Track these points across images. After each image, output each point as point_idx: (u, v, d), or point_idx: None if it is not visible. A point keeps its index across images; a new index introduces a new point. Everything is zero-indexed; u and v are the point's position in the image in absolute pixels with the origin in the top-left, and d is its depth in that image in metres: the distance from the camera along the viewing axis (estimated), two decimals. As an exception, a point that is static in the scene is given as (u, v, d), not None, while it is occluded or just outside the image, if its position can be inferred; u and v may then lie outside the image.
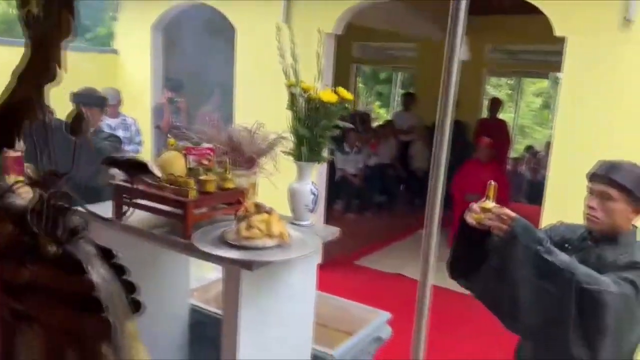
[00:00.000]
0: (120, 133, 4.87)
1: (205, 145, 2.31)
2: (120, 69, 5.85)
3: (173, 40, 5.82)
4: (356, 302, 3.18)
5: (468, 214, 1.69)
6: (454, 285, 2.07)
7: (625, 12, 3.35)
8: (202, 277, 3.63)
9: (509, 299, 1.59)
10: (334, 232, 2.45)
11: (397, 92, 13.76)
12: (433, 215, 1.55)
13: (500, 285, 1.61)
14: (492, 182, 1.69)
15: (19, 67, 0.76)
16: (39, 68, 0.75)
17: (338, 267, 5.08)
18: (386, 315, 3.03)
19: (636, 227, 1.78)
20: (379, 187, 7.61)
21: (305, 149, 2.26)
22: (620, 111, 3.43)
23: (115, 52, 5.83)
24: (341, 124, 2.28)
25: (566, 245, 1.81)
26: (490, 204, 1.65)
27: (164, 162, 2.18)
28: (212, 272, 4.59)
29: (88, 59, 5.71)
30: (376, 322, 2.91)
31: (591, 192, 1.77)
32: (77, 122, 0.85)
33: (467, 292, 2.02)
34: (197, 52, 5.77)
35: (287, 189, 2.41)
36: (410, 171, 7.99)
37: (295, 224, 2.35)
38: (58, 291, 0.80)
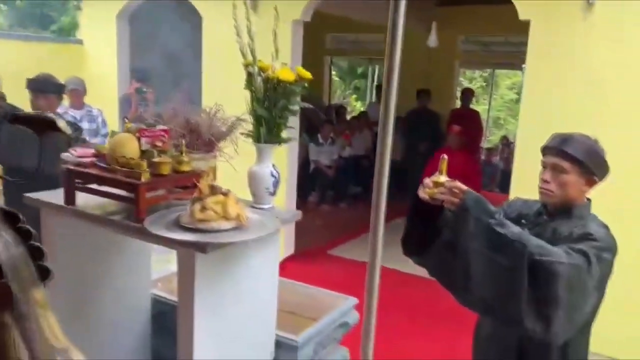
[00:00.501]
0: (85, 125, 4.75)
1: (160, 127, 2.24)
2: (85, 59, 5.71)
3: (139, 30, 5.70)
4: (323, 289, 3.14)
5: (421, 189, 1.66)
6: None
7: (587, -6, 3.37)
8: (167, 269, 3.55)
9: (462, 272, 1.56)
10: (295, 214, 2.41)
11: (373, 86, 13.75)
12: (380, 202, 1.50)
13: (453, 260, 1.58)
14: (444, 156, 1.66)
15: None
16: None
17: (311, 257, 5.05)
18: (353, 300, 3.00)
19: (589, 200, 1.78)
20: (354, 178, 7.59)
21: (264, 130, 2.21)
22: (583, 93, 3.45)
23: (80, 42, 5.68)
24: (301, 104, 2.24)
25: (522, 220, 1.79)
26: (442, 178, 1.62)
27: (116, 144, 2.11)
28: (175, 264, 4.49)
29: (53, 50, 5.56)
30: (342, 307, 2.88)
31: (544, 165, 1.75)
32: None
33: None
34: (164, 41, 5.66)
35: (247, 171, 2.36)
36: (384, 162, 7.98)
37: (255, 207, 2.30)
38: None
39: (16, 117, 0.89)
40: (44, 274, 0.78)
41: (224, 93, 3.41)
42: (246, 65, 2.22)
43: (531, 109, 3.67)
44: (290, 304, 3.06)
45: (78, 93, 4.76)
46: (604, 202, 1.92)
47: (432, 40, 5.02)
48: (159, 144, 2.18)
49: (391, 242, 5.70)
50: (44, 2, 6.05)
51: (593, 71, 3.45)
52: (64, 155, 2.23)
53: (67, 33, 5.76)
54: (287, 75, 2.15)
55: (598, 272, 1.53)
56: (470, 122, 7.27)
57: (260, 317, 2.39)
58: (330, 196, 7.26)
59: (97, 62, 5.70)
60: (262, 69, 2.19)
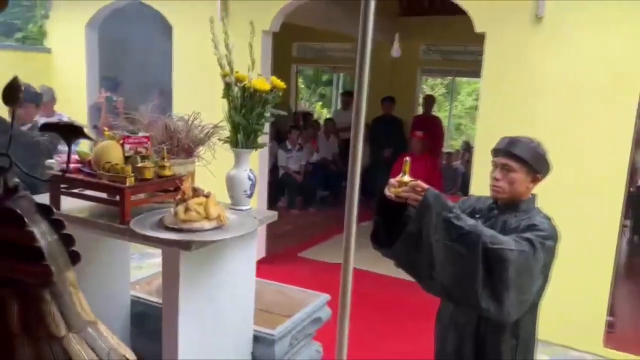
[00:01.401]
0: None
1: (142, 134, 2.37)
2: (53, 68, 5.71)
3: (109, 39, 5.74)
4: (296, 287, 3.30)
5: (387, 189, 1.85)
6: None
7: (536, 9, 3.65)
8: (139, 276, 3.64)
9: (425, 262, 1.75)
10: (271, 215, 2.56)
11: (338, 93, 14.00)
12: (352, 206, 1.66)
13: (417, 251, 1.76)
14: (407, 159, 1.85)
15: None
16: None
17: (283, 260, 5.19)
18: (325, 297, 3.16)
19: (534, 195, 2.00)
20: (321, 183, 7.77)
21: (242, 136, 2.36)
22: (533, 99, 3.72)
23: (48, 50, 5.68)
24: (275, 111, 2.40)
25: (476, 215, 2.00)
26: (406, 177, 1.81)
27: (101, 151, 2.22)
28: (153, 270, 4.59)
29: (20, 58, 5.54)
30: (315, 304, 3.04)
31: (495, 165, 1.97)
32: (10, 91, 0.91)
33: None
34: (134, 50, 5.73)
35: (224, 176, 2.50)
36: (351, 167, 8.20)
37: (234, 209, 2.44)
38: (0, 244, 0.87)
39: (46, 125, 0.99)
40: (75, 259, 0.92)
41: (195, 101, 3.53)
42: (224, 76, 2.36)
43: (488, 115, 3.93)
44: (265, 302, 3.21)
45: (49, 101, 4.79)
46: (548, 196, 2.15)
47: (395, 51, 5.26)
48: (142, 150, 2.30)
49: (360, 245, 5.94)
50: (9, 10, 6.02)
51: (542, 78, 3.73)
52: (49, 162, 2.32)
53: (34, 41, 5.75)
54: (263, 85, 2.31)
55: (542, 258, 1.75)
56: (431, 128, 7.56)
57: (239, 312, 2.53)
58: (299, 201, 7.41)
59: (66, 70, 5.71)
60: (238, 80, 2.35)
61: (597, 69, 3.56)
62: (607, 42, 3.52)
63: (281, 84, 2.37)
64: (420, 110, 8.86)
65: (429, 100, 8.13)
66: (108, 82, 5.58)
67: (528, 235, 1.75)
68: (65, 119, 4.99)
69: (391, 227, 1.88)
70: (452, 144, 13.26)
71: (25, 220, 0.86)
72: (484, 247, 1.66)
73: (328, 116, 11.53)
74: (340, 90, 13.44)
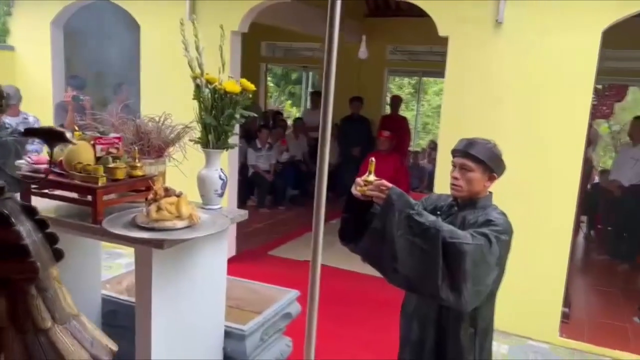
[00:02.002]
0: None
1: (113, 135, 2.40)
2: (17, 66, 5.60)
3: (75, 37, 5.67)
4: (266, 284, 3.37)
5: (354, 188, 1.94)
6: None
7: (496, 15, 3.81)
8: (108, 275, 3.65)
9: (389, 256, 1.85)
10: (242, 214, 2.63)
11: (308, 92, 14.07)
12: (320, 204, 1.74)
13: (381, 246, 1.86)
14: (372, 159, 1.95)
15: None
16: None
17: (253, 258, 5.24)
18: (295, 293, 3.24)
19: (491, 193, 2.13)
20: (291, 182, 7.84)
21: (213, 136, 2.42)
22: (494, 101, 3.88)
23: (11, 48, 5.58)
24: (245, 113, 2.47)
25: (437, 212, 2.12)
26: (371, 177, 1.91)
27: (72, 152, 2.24)
28: (121, 269, 4.60)
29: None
30: (285, 299, 3.12)
31: (454, 165, 2.09)
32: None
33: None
34: (101, 48, 5.69)
35: (195, 175, 2.55)
36: (320, 166, 8.30)
37: (205, 208, 2.50)
38: (-14, 243, 0.92)
39: (29, 130, 1.03)
40: (58, 255, 0.98)
41: (163, 100, 3.57)
42: (194, 78, 2.42)
43: (450, 115, 4.08)
44: (235, 299, 3.27)
45: (14, 101, 4.73)
46: (507, 193, 2.29)
47: (362, 53, 5.37)
48: (113, 150, 2.34)
49: (328, 242, 6.07)
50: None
51: (502, 80, 3.89)
52: (19, 162, 2.33)
53: (-4, 39, 5.64)
54: (233, 87, 2.37)
55: (498, 251, 1.87)
56: (399, 127, 7.73)
57: (210, 309, 2.59)
58: (269, 200, 7.47)
59: (30, 69, 5.62)
60: (209, 81, 2.40)
61: (553, 72, 3.74)
62: (562, 46, 3.70)
63: (251, 86, 2.44)
64: (387, 110, 9.02)
65: (396, 101, 8.29)
66: (74, 81, 5.51)
67: (484, 230, 1.87)
68: (30, 119, 4.93)
69: (358, 223, 1.98)
70: (419, 142, 13.51)
71: (12, 220, 0.92)
72: (443, 242, 1.77)
73: (298, 115, 11.61)
74: (310, 89, 13.54)
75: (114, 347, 1.03)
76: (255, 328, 2.77)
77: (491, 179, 2.06)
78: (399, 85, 16.50)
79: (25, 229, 0.93)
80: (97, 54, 5.65)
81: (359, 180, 1.93)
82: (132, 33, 5.24)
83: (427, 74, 13.02)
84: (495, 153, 2.06)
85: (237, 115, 2.43)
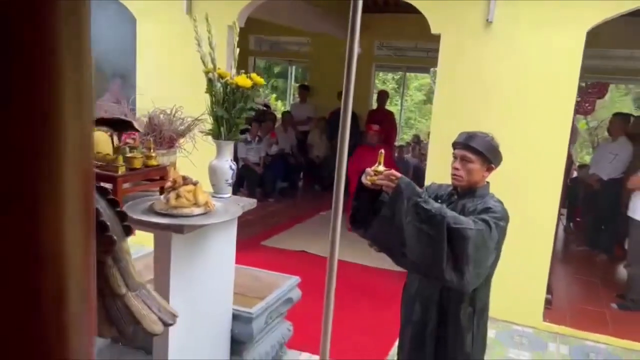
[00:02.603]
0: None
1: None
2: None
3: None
4: (269, 271, 3.50)
5: (364, 177, 2.08)
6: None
7: (487, 14, 3.98)
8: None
9: (398, 241, 1.98)
10: (252, 202, 2.75)
11: (292, 85, 14.16)
12: (338, 194, 1.85)
13: (390, 231, 2.00)
14: (382, 151, 2.09)
15: None
16: None
17: (247, 248, 5.34)
18: (295, 279, 3.38)
19: (488, 183, 2.28)
20: (281, 175, 7.96)
21: (224, 129, 2.53)
22: (484, 96, 4.06)
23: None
24: (255, 105, 2.59)
25: (438, 200, 2.27)
26: (381, 167, 2.05)
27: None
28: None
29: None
30: (286, 286, 3.25)
31: (455, 157, 2.23)
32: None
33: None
34: (96, 41, 5.70)
35: (207, 165, 2.66)
36: (308, 159, 8.43)
37: (216, 197, 2.61)
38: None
39: (99, 119, 1.13)
40: (128, 231, 1.11)
41: (159, 93, 3.64)
42: (206, 72, 2.52)
43: (442, 111, 4.24)
44: (239, 285, 3.38)
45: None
46: (495, 185, 2.45)
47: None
48: (130, 141, 2.44)
49: (320, 233, 6.32)
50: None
51: (492, 78, 4.06)
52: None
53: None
54: (244, 81, 2.48)
55: (496, 236, 2.03)
56: (385, 121, 7.88)
57: (220, 292, 2.72)
58: (259, 192, 7.57)
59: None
60: (221, 76, 2.52)
61: (540, 70, 3.93)
62: (548, 46, 3.89)
63: (261, 80, 2.56)
64: (374, 104, 9.17)
65: (383, 96, 8.45)
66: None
67: (484, 216, 2.02)
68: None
69: (367, 210, 2.12)
70: (402, 137, 13.71)
71: (92, 199, 1.04)
72: (448, 227, 1.92)
73: (283, 109, 11.70)
74: (294, 82, 13.63)
75: (176, 313, 1.15)
76: (260, 311, 2.90)
77: (489, 169, 2.22)
78: (383, 80, 16.68)
79: (101, 206, 1.05)
80: (92, 47, 5.66)
81: (369, 170, 2.06)
82: (128, 27, 5.28)
83: (410, 69, 13.21)
84: (493, 145, 2.21)
85: (248, 108, 2.55)
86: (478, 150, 2.17)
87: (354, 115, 8.11)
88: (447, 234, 1.93)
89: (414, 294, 2.34)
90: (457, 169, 2.21)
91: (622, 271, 5.39)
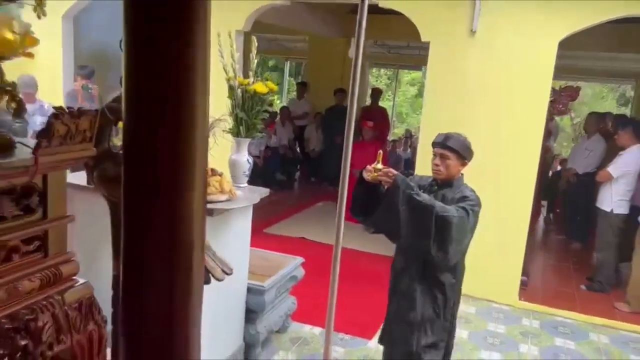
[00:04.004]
0: (38, 118, 5.13)
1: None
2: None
3: (84, 29, 6.07)
4: (275, 252, 3.96)
5: (365, 173, 2.52)
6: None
7: (471, 25, 4.43)
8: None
9: (395, 225, 2.43)
10: (265, 191, 3.20)
11: (287, 81, 14.56)
12: (344, 185, 2.22)
13: (389, 217, 2.45)
14: (380, 151, 2.54)
15: None
16: None
17: (252, 235, 5.79)
18: (300, 260, 3.84)
19: (462, 175, 2.70)
20: (279, 167, 8.39)
21: (243, 128, 2.97)
22: (468, 96, 4.52)
23: (22, 39, 5.95)
24: (270, 109, 3.03)
25: (421, 190, 2.67)
26: (380, 165, 2.49)
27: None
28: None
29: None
30: (292, 265, 3.71)
31: (435, 154, 2.66)
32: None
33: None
34: (107, 41, 6.10)
35: (223, 159, 3.10)
36: (305, 152, 8.87)
37: (235, 186, 3.06)
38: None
39: (109, 108, 1.47)
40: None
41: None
42: (228, 80, 2.96)
43: (431, 112, 4.70)
44: (250, 265, 3.83)
45: (32, 89, 5.15)
46: (478, 177, 2.91)
47: (352, 52, 5.90)
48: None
49: (317, 221, 6.88)
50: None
51: (476, 81, 4.52)
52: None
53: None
54: (261, 88, 2.92)
55: (472, 220, 2.48)
56: (379, 117, 8.33)
57: (237, 268, 3.15)
58: (259, 184, 7.98)
59: (42, 59, 6.00)
60: (240, 83, 2.95)
61: (518, 74, 4.39)
62: (525, 53, 4.35)
63: (274, 87, 3.00)
64: (368, 101, 9.61)
65: (377, 93, 8.89)
66: (83, 71, 5.92)
67: (463, 204, 2.47)
68: (46, 106, 5.36)
69: (367, 200, 2.55)
70: (395, 131, 14.18)
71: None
72: (436, 215, 2.38)
73: (280, 103, 12.11)
74: (287, 76, 14.06)
75: (232, 267, 1.59)
76: (271, 285, 3.36)
77: (463, 164, 2.65)
78: (376, 76, 17.11)
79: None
80: (105, 46, 6.05)
81: (369, 167, 2.50)
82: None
83: (403, 66, 13.67)
84: (466, 144, 2.64)
85: (264, 110, 2.99)
86: (454, 148, 2.59)
87: (349, 111, 8.58)
88: (435, 220, 2.37)
89: (400, 269, 2.73)
90: (437, 164, 2.64)
91: (594, 258, 5.90)
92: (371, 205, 2.57)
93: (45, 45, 6.07)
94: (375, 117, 7.88)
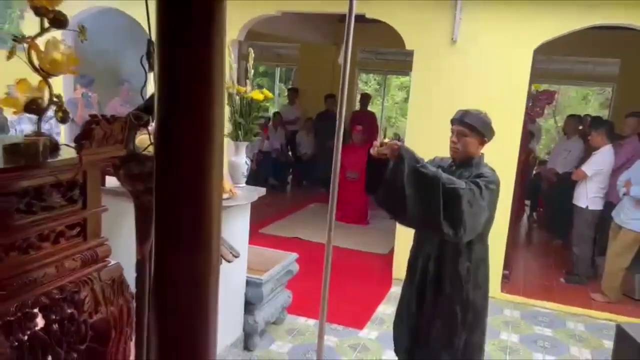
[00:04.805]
0: (45, 125, 5.36)
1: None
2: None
3: (83, 40, 6.28)
4: (271, 248, 4.21)
5: (372, 149, 2.41)
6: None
7: (452, 34, 4.72)
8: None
9: (401, 201, 2.28)
10: (262, 191, 3.45)
11: (278, 87, 14.81)
12: (334, 185, 2.38)
13: (394, 193, 2.30)
14: (385, 127, 2.78)
15: None
16: None
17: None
18: (294, 255, 4.09)
19: (482, 154, 2.58)
20: (272, 171, 8.64)
21: (242, 132, 3.23)
22: (451, 104, 4.78)
23: (23, 49, 6.16)
24: (266, 115, 3.28)
25: (440, 170, 2.45)
26: (386, 140, 2.39)
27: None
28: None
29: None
30: (287, 260, 3.96)
31: (453, 131, 2.53)
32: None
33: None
34: (106, 50, 6.34)
35: (226, 161, 3.35)
36: (297, 156, 9.13)
37: (234, 186, 3.31)
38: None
39: (134, 115, 1.71)
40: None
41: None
42: (227, 88, 3.22)
43: (416, 114, 4.98)
44: (247, 260, 4.09)
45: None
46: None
47: (342, 58, 6.18)
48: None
49: (310, 222, 7.22)
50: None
51: (456, 84, 4.79)
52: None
53: (5, 40, 6.21)
54: (258, 96, 3.18)
55: (487, 195, 2.36)
56: (368, 122, 8.62)
57: (237, 262, 3.40)
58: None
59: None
60: (238, 91, 3.21)
61: (496, 79, 4.68)
62: (502, 60, 4.65)
63: (270, 94, 3.26)
64: (358, 106, 9.90)
65: (366, 98, 9.20)
66: (83, 79, 6.16)
67: (476, 180, 2.39)
68: (48, 114, 5.58)
69: (378, 178, 2.45)
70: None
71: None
72: (443, 187, 2.26)
73: (272, 109, 12.37)
74: (278, 81, 14.33)
75: (238, 252, 1.84)
76: (269, 279, 3.61)
77: (482, 142, 2.56)
78: (365, 81, 17.42)
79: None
80: (104, 55, 6.29)
81: (375, 143, 2.43)
82: (137, 38, 5.91)
83: (390, 72, 13.97)
84: (486, 121, 2.55)
85: (260, 116, 3.25)
86: (472, 125, 2.51)
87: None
88: (442, 193, 2.26)
89: (417, 253, 2.70)
90: (454, 142, 2.55)
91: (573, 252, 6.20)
92: (380, 182, 2.44)
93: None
94: (364, 121, 8.17)
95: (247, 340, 3.59)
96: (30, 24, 6.18)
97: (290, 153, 9.16)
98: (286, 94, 10.99)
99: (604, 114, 13.17)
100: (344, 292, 4.75)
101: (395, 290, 4.80)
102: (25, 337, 1.34)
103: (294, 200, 8.18)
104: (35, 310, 1.36)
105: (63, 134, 6.07)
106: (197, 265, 0.99)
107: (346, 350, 3.84)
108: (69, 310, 1.45)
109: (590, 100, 14.86)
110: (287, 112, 9.44)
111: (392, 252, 5.42)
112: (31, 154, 1.38)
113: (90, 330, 1.51)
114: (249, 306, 3.58)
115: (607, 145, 5.09)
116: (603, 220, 5.19)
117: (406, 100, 18.19)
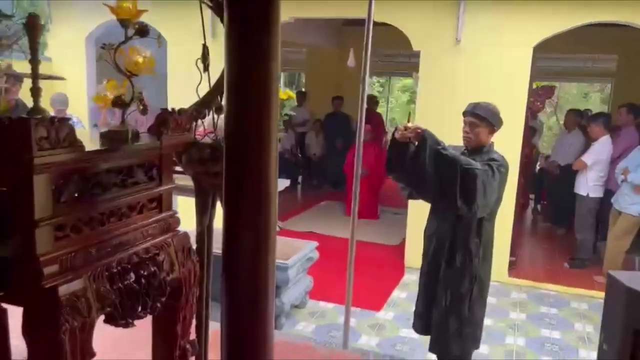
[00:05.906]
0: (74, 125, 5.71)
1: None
2: (54, 75, 6.54)
3: (160, 46, 6.63)
4: (291, 238, 4.51)
5: (396, 133, 2.67)
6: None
7: (456, 35, 5.03)
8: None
9: (422, 179, 2.59)
10: (285, 182, 3.76)
11: (284, 89, 15.17)
12: (357, 179, 2.66)
13: (417, 171, 2.59)
14: (410, 111, 2.98)
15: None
16: None
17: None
18: (314, 244, 4.40)
19: (493, 142, 2.86)
20: (283, 172, 8.94)
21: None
22: (457, 101, 5.08)
23: (49, 60, 6.52)
24: (290, 113, 3.59)
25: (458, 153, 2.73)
26: (410, 124, 2.66)
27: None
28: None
29: (22, 66, 6.35)
30: (309, 248, 4.26)
31: (465, 123, 2.81)
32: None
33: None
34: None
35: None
36: (306, 157, 9.44)
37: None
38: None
39: (195, 110, 2.04)
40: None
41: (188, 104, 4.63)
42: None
43: (423, 113, 5.29)
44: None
45: (63, 106, 5.74)
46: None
47: (350, 61, 6.46)
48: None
49: (322, 217, 7.63)
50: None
51: (461, 82, 5.11)
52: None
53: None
54: (281, 95, 3.50)
55: (498, 177, 2.65)
56: (375, 122, 8.93)
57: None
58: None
59: (66, 77, 6.57)
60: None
61: (498, 77, 4.98)
62: (503, 58, 4.96)
63: (292, 94, 3.58)
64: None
65: (372, 100, 9.50)
66: (105, 87, 6.48)
67: (489, 162, 2.68)
68: (74, 119, 5.91)
69: (400, 159, 2.73)
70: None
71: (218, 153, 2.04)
72: (461, 168, 2.56)
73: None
74: (281, 83, 14.71)
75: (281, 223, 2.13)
76: (294, 263, 3.91)
77: (492, 131, 2.83)
78: (369, 84, 17.75)
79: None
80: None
81: (399, 126, 2.71)
82: (155, 46, 6.24)
83: (394, 74, 14.30)
84: (495, 112, 2.82)
85: (284, 115, 3.56)
86: (482, 116, 2.78)
87: (347, 117, 9.21)
88: (460, 173, 2.56)
89: (431, 233, 2.97)
90: (467, 132, 2.83)
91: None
92: (403, 163, 2.70)
93: (71, 64, 6.66)
94: (372, 122, 8.47)
95: (275, 321, 3.89)
96: (56, 35, 6.51)
97: (299, 154, 9.47)
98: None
99: (604, 109, 13.46)
100: (361, 279, 5.04)
101: (408, 277, 5.09)
102: (123, 287, 1.64)
103: (306, 199, 8.49)
104: (129, 266, 1.67)
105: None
106: (260, 229, 1.31)
107: (366, 329, 4.14)
108: (152, 269, 1.75)
109: (591, 97, 15.14)
110: (295, 115, 9.77)
111: (403, 243, 5.72)
112: (122, 139, 1.69)
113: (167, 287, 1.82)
114: (276, 289, 3.88)
115: (605, 136, 5.38)
116: (603, 206, 5.48)
117: (408, 102, 18.50)
